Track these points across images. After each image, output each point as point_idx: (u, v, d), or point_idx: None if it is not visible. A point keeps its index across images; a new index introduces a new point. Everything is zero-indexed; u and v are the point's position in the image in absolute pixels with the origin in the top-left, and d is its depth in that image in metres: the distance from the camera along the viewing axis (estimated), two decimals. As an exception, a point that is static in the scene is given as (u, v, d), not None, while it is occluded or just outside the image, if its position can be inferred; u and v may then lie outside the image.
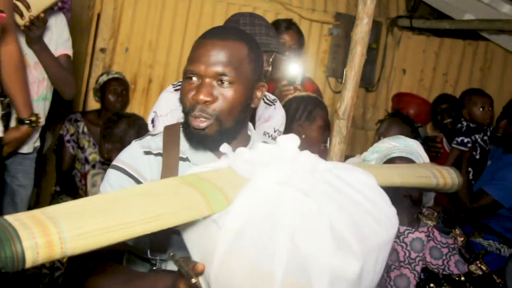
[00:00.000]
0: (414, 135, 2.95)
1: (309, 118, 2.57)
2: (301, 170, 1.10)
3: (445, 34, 5.01)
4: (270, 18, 4.39)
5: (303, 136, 2.46)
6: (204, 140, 1.43)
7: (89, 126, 3.71)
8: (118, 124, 2.97)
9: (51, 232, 0.87)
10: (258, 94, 1.51)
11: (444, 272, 2.04)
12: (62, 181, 3.69)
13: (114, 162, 1.49)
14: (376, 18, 4.80)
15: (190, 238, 1.12)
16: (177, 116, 2.27)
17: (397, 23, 5.02)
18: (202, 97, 1.39)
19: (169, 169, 1.45)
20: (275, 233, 1.00)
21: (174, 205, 1.02)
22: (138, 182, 1.45)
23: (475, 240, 3.23)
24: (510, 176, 3.21)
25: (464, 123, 3.56)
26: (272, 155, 1.13)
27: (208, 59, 1.40)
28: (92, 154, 3.64)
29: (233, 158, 1.15)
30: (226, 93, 1.41)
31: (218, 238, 1.03)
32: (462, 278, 2.02)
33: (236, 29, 1.54)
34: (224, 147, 1.22)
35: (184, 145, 1.50)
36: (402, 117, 3.09)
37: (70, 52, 2.97)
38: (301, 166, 1.11)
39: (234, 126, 1.45)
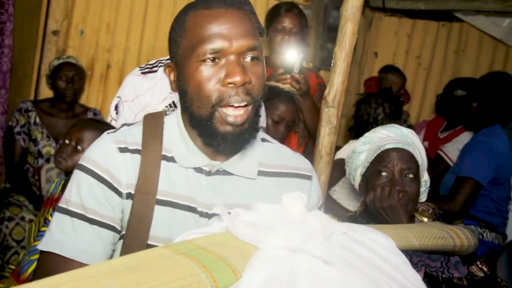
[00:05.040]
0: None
1: (266, 107, 2.39)
2: (314, 234, 0.98)
3: (418, 16, 4.89)
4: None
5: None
6: (238, 139, 1.21)
7: (41, 116, 3.45)
8: None
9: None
10: None
11: (444, 275, 1.85)
12: (13, 177, 3.43)
13: (82, 162, 1.26)
14: (348, -1, 4.61)
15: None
16: (144, 101, 2.14)
17: (369, 3, 4.84)
18: (239, 78, 1.15)
19: (148, 170, 1.24)
20: None
21: (170, 282, 0.81)
22: (112, 188, 1.23)
23: (457, 227, 3.12)
24: (475, 150, 3.04)
25: None
26: (276, 216, 1.00)
27: (231, 32, 1.16)
28: (46, 147, 3.40)
29: (230, 220, 0.99)
30: (258, 72, 1.19)
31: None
32: (464, 282, 1.84)
33: None
34: (219, 208, 1.03)
35: (169, 141, 1.28)
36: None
37: None
38: (312, 228, 0.99)
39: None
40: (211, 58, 1.17)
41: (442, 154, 3.52)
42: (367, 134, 2.00)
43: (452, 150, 3.47)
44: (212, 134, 1.20)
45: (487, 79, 3.31)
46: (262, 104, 2.24)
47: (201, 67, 1.17)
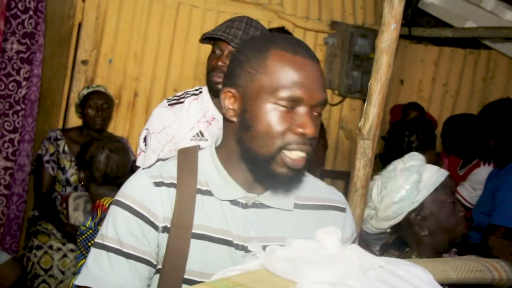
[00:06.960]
0: None
1: None
2: (352, 268, 0.98)
3: (444, 43, 4.86)
4: (264, 27, 4.19)
5: None
6: (291, 180, 1.24)
7: (70, 144, 3.49)
8: (88, 149, 2.64)
9: None
10: None
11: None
12: (41, 205, 3.44)
13: (118, 197, 1.27)
14: (373, 26, 4.61)
15: None
16: (171, 133, 2.16)
17: (394, 31, 4.83)
18: (311, 131, 1.17)
19: (184, 204, 1.24)
20: None
21: None
22: (148, 222, 1.23)
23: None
24: (502, 193, 2.95)
25: None
26: (312, 252, 1.00)
27: (312, 84, 1.19)
28: (74, 175, 3.43)
29: (267, 257, 1.00)
30: (318, 126, 1.23)
31: None
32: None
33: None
34: (253, 245, 1.05)
35: (204, 174, 1.28)
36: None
37: None
38: (349, 262, 0.99)
39: None
40: (288, 105, 1.18)
41: (457, 195, 3.48)
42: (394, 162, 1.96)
43: (463, 190, 3.45)
44: (266, 174, 1.22)
45: (494, 111, 3.20)
46: None
47: (276, 110, 1.18)
